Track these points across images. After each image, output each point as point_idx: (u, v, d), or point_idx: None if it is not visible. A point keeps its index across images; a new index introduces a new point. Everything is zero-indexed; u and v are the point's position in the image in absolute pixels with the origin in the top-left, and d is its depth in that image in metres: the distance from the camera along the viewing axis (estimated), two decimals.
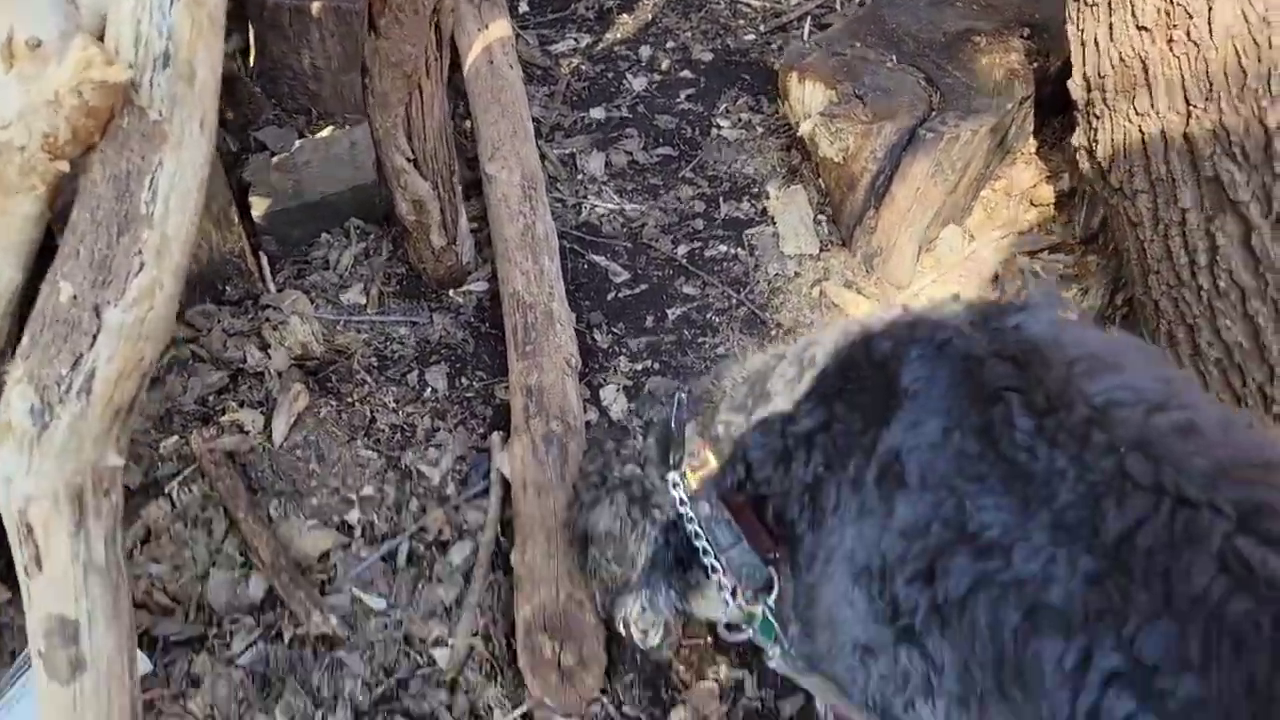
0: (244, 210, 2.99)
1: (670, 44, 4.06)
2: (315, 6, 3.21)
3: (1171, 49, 2.31)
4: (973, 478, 1.26)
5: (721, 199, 3.51)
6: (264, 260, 3.01)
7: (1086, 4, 2.51)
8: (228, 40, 2.77)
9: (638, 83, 3.90)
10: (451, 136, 2.84)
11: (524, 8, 4.20)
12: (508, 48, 3.44)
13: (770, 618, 1.77)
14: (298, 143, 3.17)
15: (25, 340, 1.27)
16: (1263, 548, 1.04)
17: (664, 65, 3.98)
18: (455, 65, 3.41)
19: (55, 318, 1.24)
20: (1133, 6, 2.36)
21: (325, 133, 3.26)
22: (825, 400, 1.55)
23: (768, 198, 3.48)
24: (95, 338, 1.25)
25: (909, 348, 1.44)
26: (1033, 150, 3.36)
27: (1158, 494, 1.12)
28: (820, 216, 3.39)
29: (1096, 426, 1.20)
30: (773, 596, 1.77)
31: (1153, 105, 2.37)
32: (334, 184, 3.10)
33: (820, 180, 3.41)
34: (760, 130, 3.71)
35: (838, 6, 4.15)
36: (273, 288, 2.98)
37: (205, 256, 2.81)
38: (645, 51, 4.03)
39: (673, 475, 1.84)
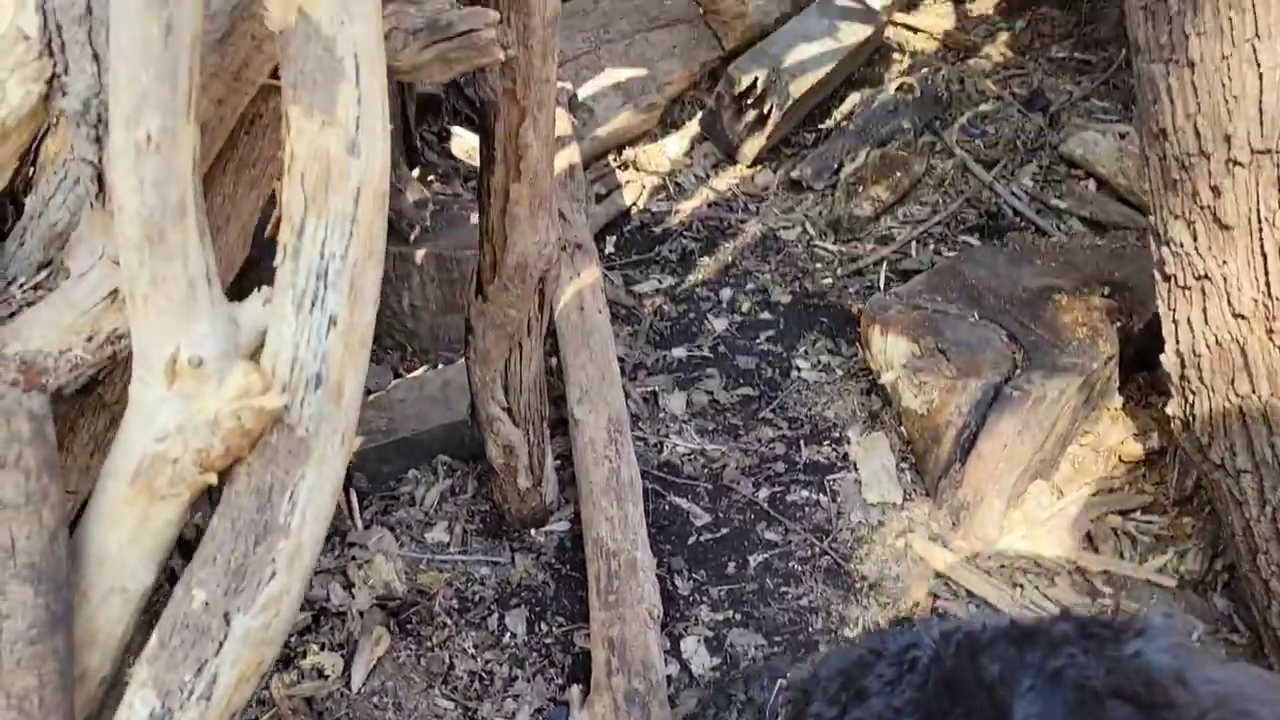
0: None
1: (750, 285, 4.19)
2: (419, 253, 3.39)
3: (1272, 339, 2.31)
4: None
5: (802, 442, 3.52)
6: (353, 496, 3.06)
7: (1178, 285, 2.50)
8: None
9: (719, 323, 4.01)
10: (545, 386, 2.92)
11: (609, 249, 4.39)
12: (597, 292, 3.58)
13: None
14: (393, 381, 3.28)
15: (153, 643, 1.29)
16: None
17: (744, 306, 4.09)
18: None
19: (185, 623, 1.27)
20: (1228, 295, 2.36)
21: (419, 372, 3.37)
22: (927, 714, 1.49)
23: (849, 443, 3.49)
24: (222, 645, 1.26)
25: (1019, 673, 1.39)
26: (1118, 406, 3.35)
27: None
28: (903, 465, 3.38)
29: None
30: None
31: (1254, 389, 2.35)
32: (425, 422, 3.19)
33: (902, 428, 3.42)
34: (840, 373, 3.76)
35: (912, 253, 4.26)
36: (359, 524, 3.02)
37: None
38: (726, 293, 4.16)
39: None
